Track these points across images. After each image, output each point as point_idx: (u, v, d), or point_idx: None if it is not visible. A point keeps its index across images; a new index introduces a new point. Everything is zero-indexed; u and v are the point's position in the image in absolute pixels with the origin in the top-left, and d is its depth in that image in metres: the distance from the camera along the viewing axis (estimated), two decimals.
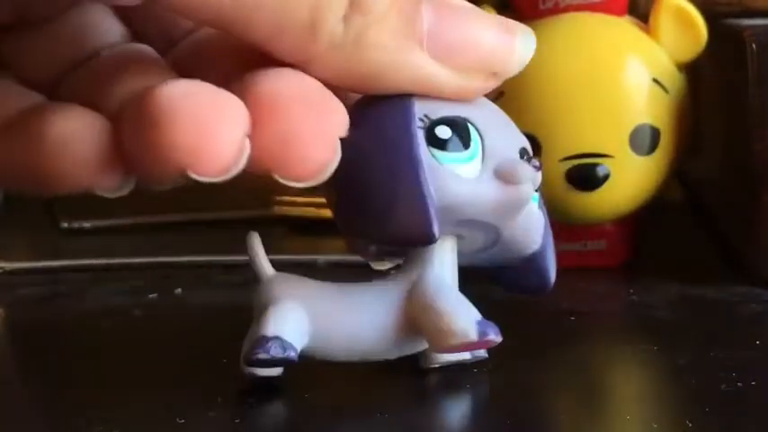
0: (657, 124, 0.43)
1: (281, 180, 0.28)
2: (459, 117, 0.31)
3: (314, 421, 0.31)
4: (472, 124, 0.31)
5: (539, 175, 0.31)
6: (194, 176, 0.27)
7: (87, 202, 0.62)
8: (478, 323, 0.31)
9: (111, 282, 0.46)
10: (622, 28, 0.44)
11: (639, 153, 0.43)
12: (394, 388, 0.32)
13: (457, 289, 0.32)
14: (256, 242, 0.34)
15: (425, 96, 0.30)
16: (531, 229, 0.32)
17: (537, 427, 0.30)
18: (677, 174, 0.46)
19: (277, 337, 0.31)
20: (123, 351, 0.37)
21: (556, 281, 0.34)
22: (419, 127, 0.30)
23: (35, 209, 0.56)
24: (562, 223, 0.41)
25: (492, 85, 0.31)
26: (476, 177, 0.30)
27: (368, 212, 0.30)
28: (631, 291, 0.42)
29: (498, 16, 0.31)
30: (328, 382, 0.33)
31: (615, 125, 0.42)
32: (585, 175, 0.42)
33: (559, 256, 0.34)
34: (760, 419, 0.29)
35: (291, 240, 0.55)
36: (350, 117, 0.29)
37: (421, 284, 0.32)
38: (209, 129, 0.26)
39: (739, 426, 0.29)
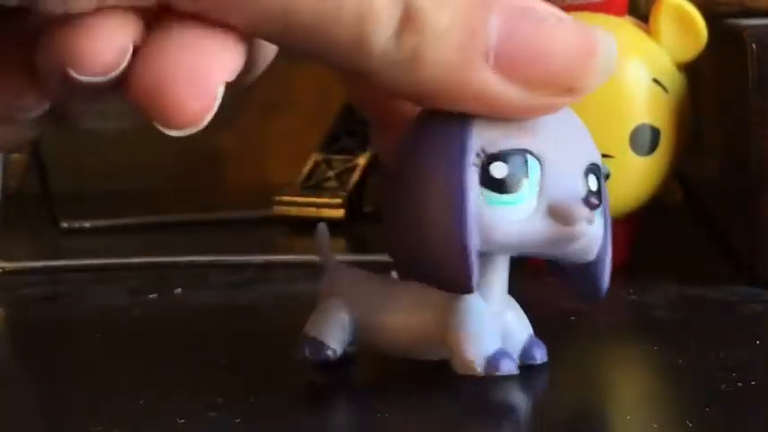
0: (657, 124, 0.43)
1: (157, 125, 0.25)
2: (518, 149, 0.29)
3: (315, 421, 0.31)
4: (533, 155, 0.29)
5: (587, 229, 0.29)
6: (76, 76, 0.25)
7: (88, 203, 0.62)
8: (489, 358, 0.31)
9: (110, 282, 0.46)
10: (623, 28, 0.44)
11: (639, 153, 0.43)
12: (396, 388, 0.32)
13: (497, 307, 0.32)
14: (324, 234, 0.35)
15: (487, 118, 0.28)
16: (586, 245, 0.31)
17: (537, 426, 0.30)
18: (677, 174, 0.46)
19: (314, 339, 0.33)
20: (123, 351, 0.37)
21: (556, 281, 0.35)
22: (474, 164, 0.29)
23: (35, 209, 0.56)
24: None
25: (566, 101, 0.28)
26: (528, 217, 0.29)
27: (409, 248, 0.30)
28: (631, 291, 0.42)
29: (578, 21, 0.27)
30: (329, 380, 0.33)
31: (615, 125, 0.42)
32: None
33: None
34: (760, 419, 0.29)
35: (292, 240, 0.55)
36: (409, 130, 0.29)
37: (456, 300, 0.31)
38: (93, 30, 0.24)
39: (739, 425, 0.29)
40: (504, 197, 0.29)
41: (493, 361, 0.31)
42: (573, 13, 0.44)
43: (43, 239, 0.56)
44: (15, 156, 0.59)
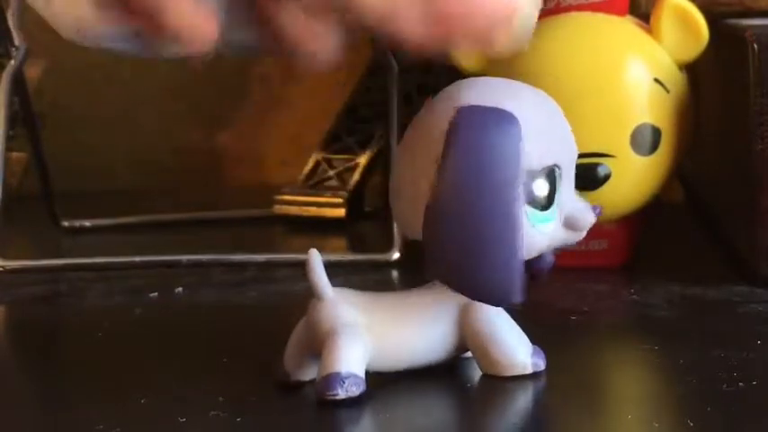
0: (659, 124, 0.43)
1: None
2: (554, 165, 0.30)
3: (317, 420, 0.31)
4: (558, 169, 0.30)
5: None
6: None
7: (88, 202, 0.62)
8: (532, 356, 0.32)
9: (111, 280, 0.46)
10: (624, 28, 0.44)
11: (641, 153, 0.43)
12: (397, 388, 0.32)
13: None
14: (317, 261, 0.32)
15: (529, 121, 0.29)
16: None
17: (539, 425, 0.30)
18: (678, 173, 0.46)
19: (351, 375, 0.31)
20: (124, 349, 0.37)
21: (557, 281, 0.34)
22: (524, 183, 0.29)
23: (36, 208, 0.56)
24: None
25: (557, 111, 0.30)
26: (553, 230, 0.31)
27: (460, 263, 0.30)
28: (632, 290, 0.42)
29: None
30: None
31: (616, 125, 0.42)
32: (587, 175, 0.42)
33: (561, 256, 0.34)
34: (761, 419, 0.29)
35: (292, 239, 0.55)
36: (452, 136, 0.29)
37: (477, 309, 0.32)
38: None
39: (740, 425, 0.29)
40: (543, 214, 0.30)
41: (535, 358, 0.32)
42: (574, 12, 0.44)
43: (44, 238, 0.56)
44: (16, 155, 0.59)
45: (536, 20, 0.29)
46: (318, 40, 0.28)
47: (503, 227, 0.29)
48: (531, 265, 0.32)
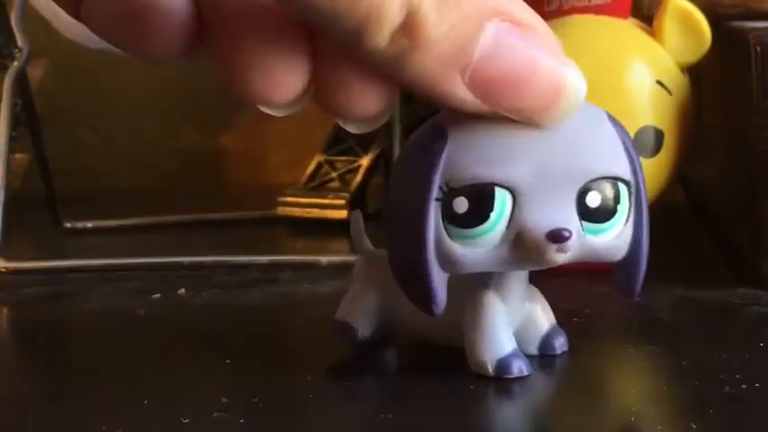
0: (661, 126, 0.43)
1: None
2: (485, 183, 0.29)
3: (319, 421, 0.31)
4: (502, 187, 0.29)
5: (566, 255, 0.30)
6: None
7: (91, 203, 0.62)
8: (500, 360, 0.32)
9: (113, 282, 0.46)
10: (626, 30, 0.44)
11: (643, 155, 0.43)
12: (399, 389, 0.32)
13: (516, 305, 0.33)
14: (358, 218, 0.36)
15: (464, 144, 0.29)
16: (600, 254, 0.31)
17: (540, 426, 0.30)
18: (680, 175, 0.46)
19: (345, 324, 0.35)
20: (126, 351, 0.37)
21: (558, 282, 0.34)
22: (436, 198, 0.29)
23: (38, 209, 0.56)
24: None
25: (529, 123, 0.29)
26: (495, 245, 0.30)
27: (395, 273, 0.31)
28: None
29: (557, 52, 0.28)
30: (333, 380, 0.33)
31: None
32: None
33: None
34: (763, 421, 0.29)
35: (294, 241, 0.55)
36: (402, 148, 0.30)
37: (479, 295, 0.32)
38: None
39: (743, 427, 0.29)
40: (465, 231, 0.30)
41: (504, 363, 0.32)
42: (577, 15, 0.44)
43: (46, 240, 0.56)
44: (18, 156, 0.59)
45: (585, 94, 0.29)
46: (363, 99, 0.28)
47: (411, 238, 0.30)
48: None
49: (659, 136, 0.43)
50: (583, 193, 0.30)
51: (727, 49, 0.44)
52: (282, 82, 0.27)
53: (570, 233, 0.29)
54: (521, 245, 0.30)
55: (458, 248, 0.30)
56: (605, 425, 0.30)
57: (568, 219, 0.30)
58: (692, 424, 0.29)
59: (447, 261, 0.30)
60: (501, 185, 0.29)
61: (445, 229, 0.30)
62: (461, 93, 0.28)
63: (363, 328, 0.35)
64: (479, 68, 0.27)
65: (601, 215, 0.30)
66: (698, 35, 0.43)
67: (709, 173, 0.52)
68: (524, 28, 0.28)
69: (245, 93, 0.27)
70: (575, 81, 0.29)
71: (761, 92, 0.41)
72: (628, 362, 0.36)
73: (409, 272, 0.30)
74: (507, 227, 0.30)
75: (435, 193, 0.29)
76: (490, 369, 0.32)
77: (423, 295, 0.30)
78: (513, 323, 0.33)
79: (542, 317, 0.34)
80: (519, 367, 0.32)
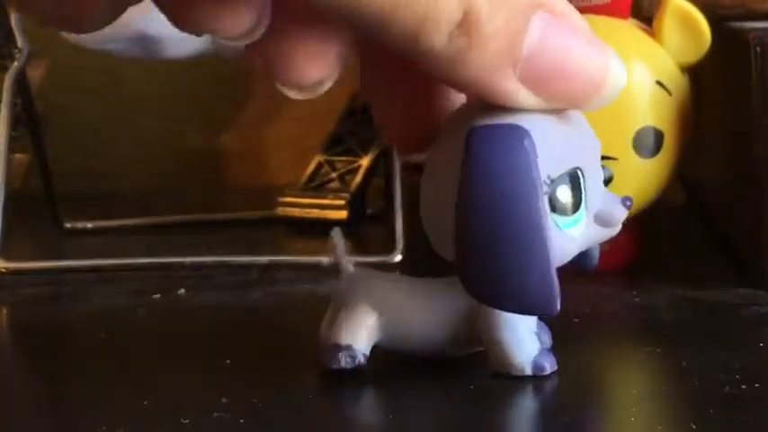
0: (661, 126, 0.43)
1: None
2: (573, 168, 0.30)
3: (319, 421, 0.31)
4: (581, 171, 0.30)
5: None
6: None
7: (91, 203, 0.62)
8: (535, 359, 0.32)
9: (113, 282, 0.46)
10: (626, 30, 0.44)
11: (643, 155, 0.43)
12: (400, 389, 0.32)
13: None
14: (339, 238, 0.35)
15: (543, 138, 0.29)
16: None
17: (541, 427, 0.30)
18: (679, 175, 0.46)
19: (348, 347, 0.33)
20: (127, 351, 0.37)
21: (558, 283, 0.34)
22: (545, 193, 0.29)
23: (38, 209, 0.56)
24: None
25: (575, 111, 0.30)
26: (584, 231, 0.31)
27: (491, 283, 0.30)
28: (634, 293, 0.42)
29: (599, 41, 0.29)
30: (333, 381, 0.33)
31: (619, 127, 0.42)
32: None
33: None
34: (763, 421, 0.29)
35: (294, 241, 0.55)
36: (468, 148, 0.29)
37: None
38: None
39: (743, 427, 0.29)
40: (570, 218, 0.30)
41: (538, 361, 0.32)
42: None
43: (46, 240, 0.56)
44: (18, 156, 0.59)
45: (626, 79, 0.29)
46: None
47: (530, 240, 0.29)
48: (579, 264, 0.32)
49: (659, 136, 0.43)
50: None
51: (727, 49, 0.44)
52: (235, 18, 0.27)
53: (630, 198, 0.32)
54: (599, 221, 0.31)
55: (567, 237, 0.30)
56: (605, 424, 0.30)
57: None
58: (691, 424, 0.29)
59: (561, 252, 0.30)
60: (581, 169, 0.30)
61: (554, 222, 0.30)
62: (515, 87, 0.28)
63: (366, 350, 0.33)
64: (529, 61, 0.28)
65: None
66: (698, 35, 0.43)
67: (710, 173, 0.52)
68: (563, 18, 0.28)
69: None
70: (617, 67, 0.29)
71: (761, 92, 0.41)
72: (628, 362, 0.36)
73: (524, 276, 0.29)
74: (587, 208, 0.31)
75: (544, 188, 0.29)
76: (528, 369, 0.32)
77: (545, 296, 0.30)
78: (532, 328, 0.33)
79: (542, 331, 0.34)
80: (551, 363, 0.33)
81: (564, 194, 0.30)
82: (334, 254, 0.35)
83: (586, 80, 0.29)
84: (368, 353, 0.33)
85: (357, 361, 0.33)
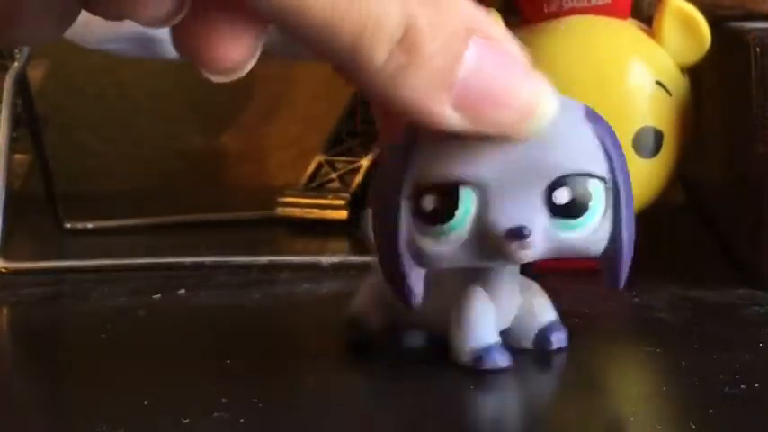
0: (661, 127, 0.43)
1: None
2: (451, 181, 0.30)
3: (320, 422, 0.31)
4: (468, 185, 0.30)
5: (529, 252, 0.30)
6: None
7: (91, 203, 0.62)
8: (478, 350, 0.32)
9: (114, 282, 0.46)
10: (626, 31, 0.44)
11: (643, 155, 0.43)
12: (399, 389, 0.32)
13: (505, 300, 0.33)
14: (369, 218, 0.36)
15: (434, 144, 0.30)
16: (577, 248, 0.31)
17: (540, 427, 0.30)
18: (679, 176, 0.46)
19: (358, 315, 0.35)
20: (127, 351, 0.37)
21: (558, 283, 0.34)
22: (407, 197, 0.30)
23: (39, 209, 0.56)
24: None
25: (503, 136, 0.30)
26: (462, 243, 0.31)
27: (378, 262, 0.32)
28: (634, 293, 0.42)
29: (529, 69, 0.29)
30: (333, 381, 0.33)
31: (618, 128, 0.42)
32: None
33: (563, 259, 0.34)
34: (763, 421, 0.29)
35: (294, 241, 0.55)
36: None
37: (466, 289, 0.33)
38: None
39: (742, 427, 0.29)
40: (435, 228, 0.30)
41: (482, 354, 0.32)
42: (577, 15, 0.44)
43: (46, 240, 0.56)
44: (19, 156, 0.60)
45: (557, 108, 0.29)
46: None
47: (387, 237, 0.31)
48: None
49: (659, 136, 0.43)
50: (551, 190, 0.30)
51: (727, 49, 0.44)
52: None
53: (529, 231, 0.30)
54: (485, 242, 0.30)
55: (428, 245, 0.31)
56: (605, 424, 0.30)
57: (531, 216, 0.30)
58: (691, 424, 0.29)
59: (419, 257, 0.31)
60: (466, 184, 0.30)
61: (416, 226, 0.31)
62: (448, 112, 0.28)
63: (376, 321, 0.35)
64: (463, 86, 0.28)
65: (572, 211, 0.31)
66: (697, 36, 0.43)
67: (710, 173, 0.52)
68: (498, 45, 0.28)
69: None
70: (548, 96, 0.29)
71: (761, 92, 0.41)
72: (627, 362, 0.36)
73: (388, 267, 0.31)
74: (473, 224, 0.30)
75: (405, 191, 0.30)
76: (467, 358, 0.32)
77: (400, 289, 0.31)
78: (503, 319, 0.33)
79: (539, 311, 0.34)
80: (495, 360, 0.32)
81: (428, 204, 0.30)
82: (364, 231, 0.36)
83: (517, 108, 0.29)
84: (379, 325, 0.35)
85: (366, 329, 0.35)
